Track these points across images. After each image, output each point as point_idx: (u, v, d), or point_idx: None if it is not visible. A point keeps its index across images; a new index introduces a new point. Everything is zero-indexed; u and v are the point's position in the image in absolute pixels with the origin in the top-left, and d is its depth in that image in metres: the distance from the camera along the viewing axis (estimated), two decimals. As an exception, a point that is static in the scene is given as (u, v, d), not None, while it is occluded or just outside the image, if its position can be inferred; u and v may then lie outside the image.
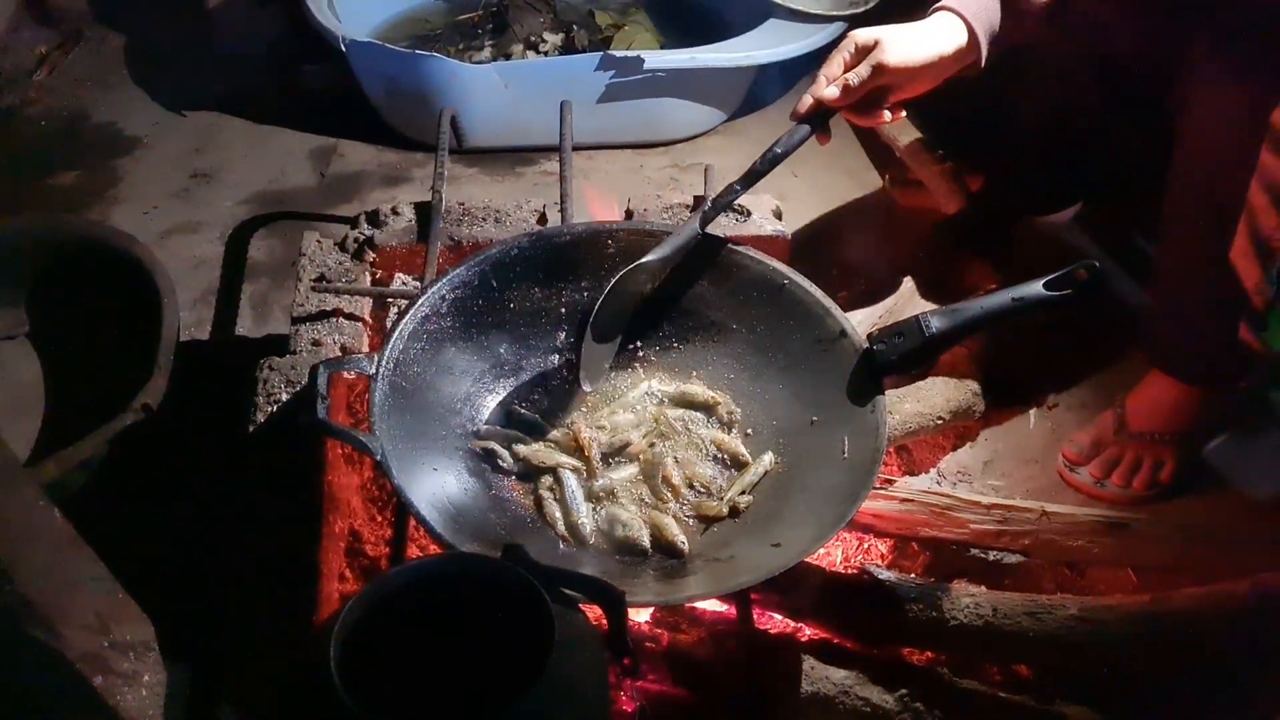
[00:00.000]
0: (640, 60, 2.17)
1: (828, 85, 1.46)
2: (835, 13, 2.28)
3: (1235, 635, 1.39)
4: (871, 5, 2.30)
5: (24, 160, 2.33)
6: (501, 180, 2.31)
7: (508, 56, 2.47)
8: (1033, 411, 1.83)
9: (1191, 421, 1.72)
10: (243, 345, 1.88)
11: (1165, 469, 1.72)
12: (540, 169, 2.33)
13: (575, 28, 2.52)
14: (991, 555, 1.58)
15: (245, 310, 1.98)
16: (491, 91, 2.22)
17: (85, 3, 2.63)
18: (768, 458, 1.40)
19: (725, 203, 1.46)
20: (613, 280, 1.41)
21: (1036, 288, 1.34)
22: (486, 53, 2.49)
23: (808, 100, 1.47)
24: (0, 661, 1.00)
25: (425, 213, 1.73)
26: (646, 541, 1.31)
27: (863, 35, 1.49)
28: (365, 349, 1.59)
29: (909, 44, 1.47)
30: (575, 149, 1.73)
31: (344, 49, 2.20)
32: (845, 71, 1.46)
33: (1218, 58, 1.51)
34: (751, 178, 1.44)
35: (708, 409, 1.46)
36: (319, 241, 1.72)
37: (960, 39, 1.49)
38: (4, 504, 1.03)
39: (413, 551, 1.42)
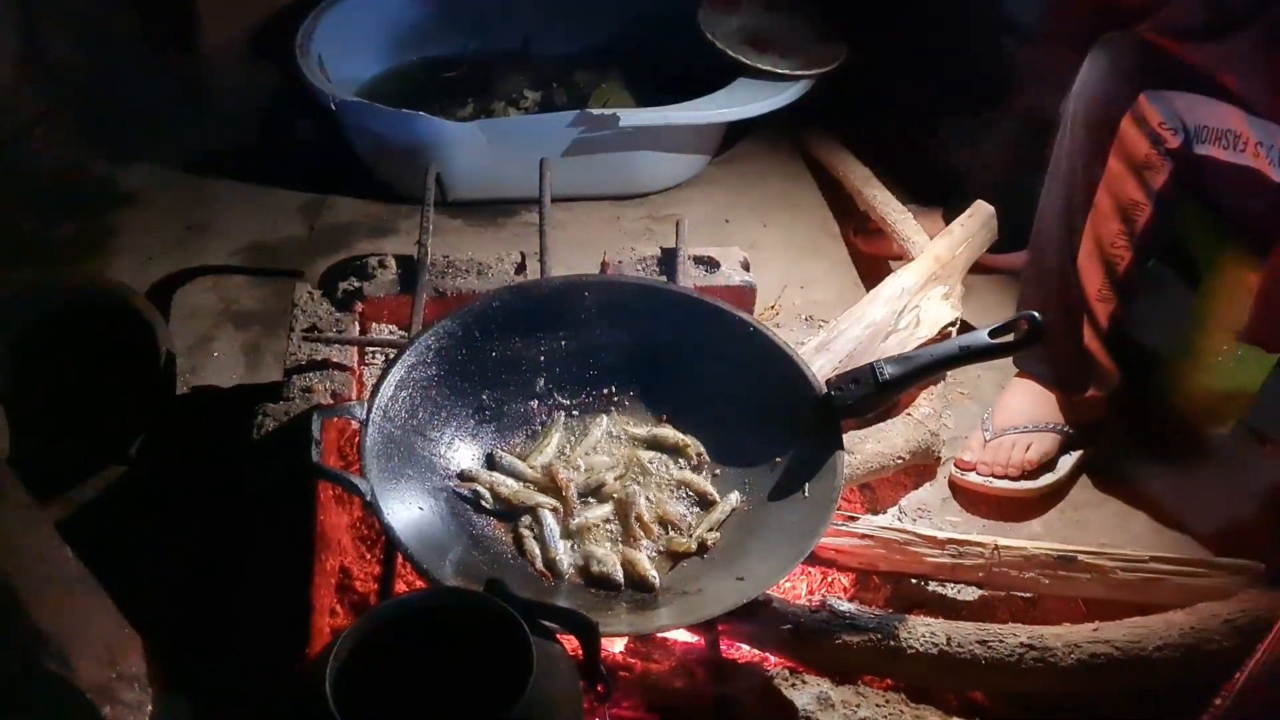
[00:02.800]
0: (616, 118, 2.28)
1: None
2: (800, 72, 2.40)
3: (1171, 660, 1.49)
4: (835, 65, 2.42)
5: (24, 213, 2.41)
6: (483, 230, 2.40)
7: (489, 112, 2.57)
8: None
9: (1044, 417, 1.87)
10: (237, 391, 1.96)
11: (1030, 450, 1.85)
12: (520, 220, 2.43)
13: (554, 84, 2.63)
14: (949, 589, 1.67)
15: (238, 357, 2.06)
16: (474, 147, 2.32)
17: (83, 59, 2.72)
18: (734, 496, 1.49)
19: None
20: None
21: (982, 336, 1.43)
22: (469, 108, 2.60)
23: None
24: (18, 692, 1.07)
25: (411, 265, 1.82)
26: (620, 576, 1.39)
27: None
28: (354, 395, 1.67)
29: None
30: (554, 201, 1.83)
31: (334, 107, 2.30)
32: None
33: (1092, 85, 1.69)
34: None
35: (677, 451, 1.55)
36: (310, 293, 1.80)
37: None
38: (23, 542, 1.11)
39: (400, 587, 1.49)
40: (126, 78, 2.72)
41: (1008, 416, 1.89)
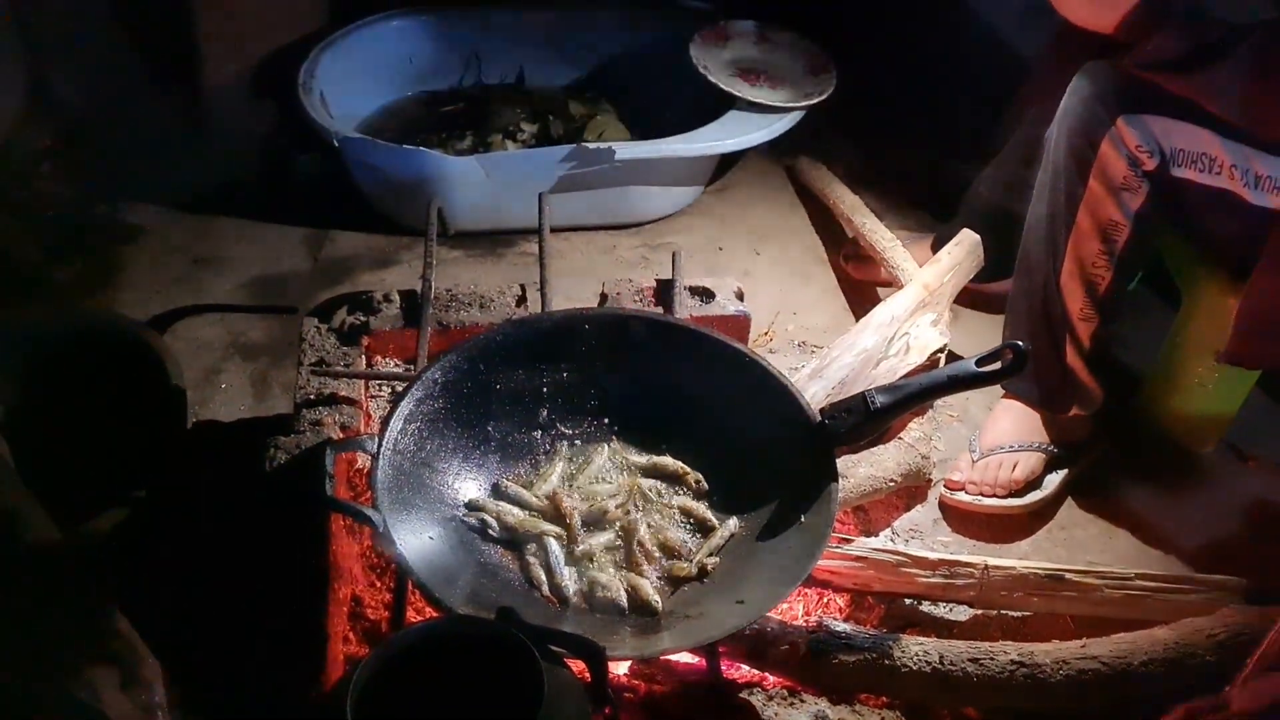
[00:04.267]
0: (611, 151, 2.34)
1: None
2: (790, 104, 2.46)
3: (1155, 674, 1.54)
4: (824, 97, 2.48)
5: (30, 249, 2.45)
6: (483, 261, 2.45)
7: (487, 145, 2.63)
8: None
9: (1030, 437, 1.93)
10: (247, 423, 2.00)
11: (1016, 469, 1.91)
12: (519, 250, 2.48)
13: (550, 117, 2.69)
14: (941, 608, 1.72)
15: (246, 388, 2.11)
16: (474, 181, 2.37)
17: (87, 97, 2.77)
18: (732, 523, 1.53)
19: None
20: None
21: (969, 365, 1.48)
22: (467, 141, 2.65)
23: None
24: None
25: (414, 300, 1.87)
26: (624, 601, 1.44)
27: None
28: (362, 428, 1.72)
29: None
30: (551, 231, 1.88)
31: (336, 143, 2.35)
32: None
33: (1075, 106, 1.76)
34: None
35: (677, 479, 1.59)
36: (317, 327, 1.85)
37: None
38: (52, 575, 1.16)
39: (411, 615, 1.53)
40: (130, 115, 2.77)
41: (994, 437, 1.95)
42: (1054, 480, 1.94)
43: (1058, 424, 1.94)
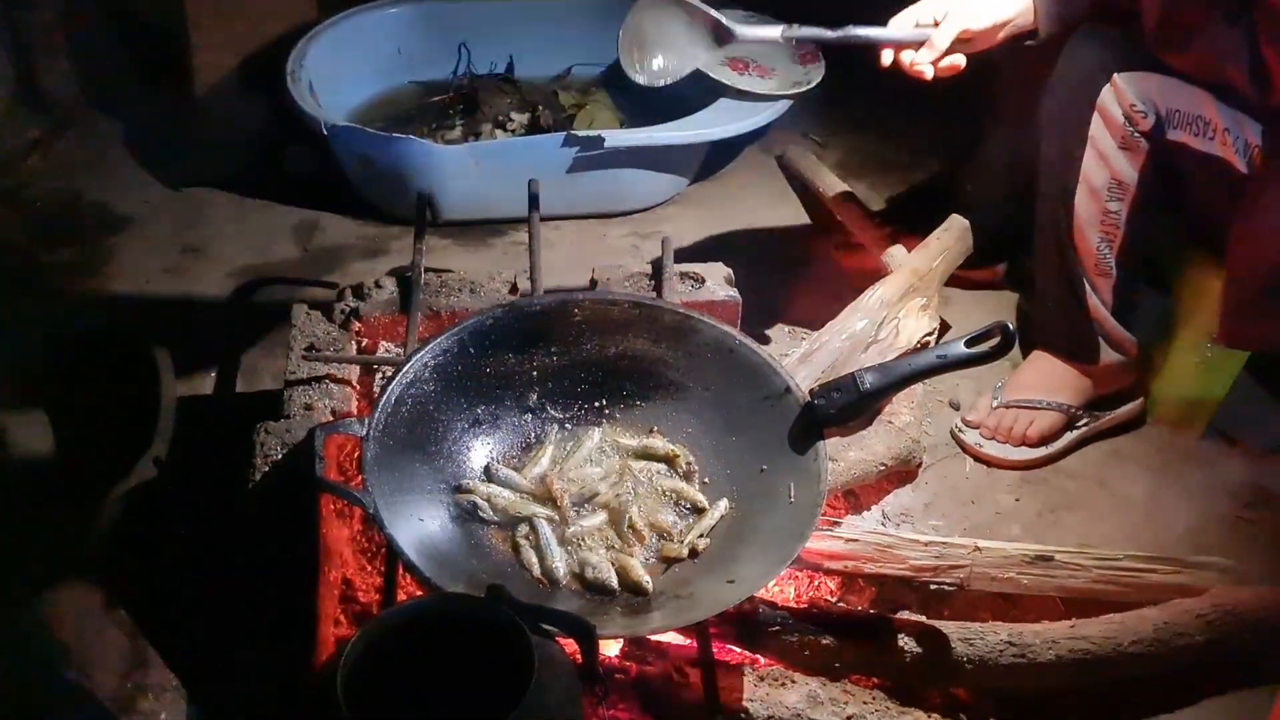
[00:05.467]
0: (601, 139, 2.34)
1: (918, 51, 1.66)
2: (779, 93, 2.47)
3: (1145, 654, 1.55)
4: (813, 86, 2.49)
5: (20, 240, 2.45)
6: (474, 250, 2.46)
7: (477, 135, 2.63)
8: (968, 459, 2.00)
9: (1056, 395, 1.96)
10: (238, 410, 2.00)
11: (1031, 427, 1.95)
12: (510, 239, 2.48)
13: (540, 107, 2.69)
14: (932, 590, 1.72)
15: (237, 377, 2.11)
16: (463, 170, 2.37)
17: (76, 89, 2.77)
18: (722, 504, 1.54)
19: None
20: None
21: (958, 346, 1.49)
22: (457, 131, 2.65)
23: (890, 59, 1.67)
24: (43, 701, 1.12)
25: (406, 285, 1.87)
26: (614, 582, 1.44)
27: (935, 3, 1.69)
28: (353, 412, 1.72)
29: (981, 6, 1.68)
30: (542, 219, 1.88)
31: (326, 132, 2.35)
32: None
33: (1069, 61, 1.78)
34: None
35: (668, 461, 1.59)
36: (308, 313, 1.85)
37: (1018, 4, 1.71)
38: (42, 560, 1.16)
39: (401, 597, 1.53)
40: (120, 106, 2.78)
41: (1019, 389, 1.98)
42: (1069, 437, 1.99)
43: (1095, 376, 1.96)
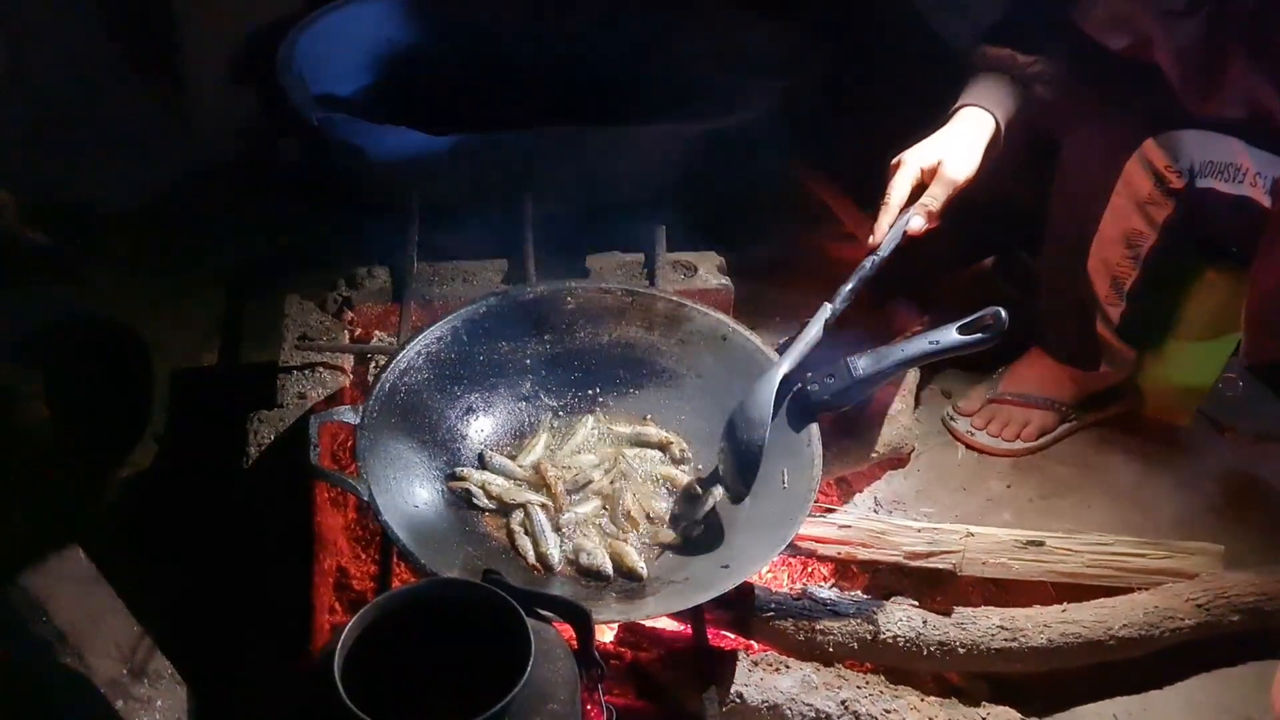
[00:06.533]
0: (593, 131, 2.34)
1: (909, 216, 1.62)
2: (765, 84, 2.46)
3: (1135, 638, 1.57)
4: (801, 79, 2.48)
5: (6, 234, 2.43)
6: (466, 240, 2.45)
7: (469, 125, 2.62)
8: (960, 446, 2.02)
9: (1051, 392, 1.99)
10: (231, 400, 1.99)
11: (1029, 428, 1.99)
12: (502, 229, 2.45)
13: (532, 97, 2.68)
14: (925, 575, 1.73)
15: (229, 367, 2.10)
16: (456, 160, 2.37)
17: (63, 82, 2.75)
18: (717, 490, 1.54)
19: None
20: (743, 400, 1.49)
21: (951, 332, 1.50)
22: (450, 122, 2.64)
23: (883, 233, 1.61)
24: (38, 686, 1.12)
25: (399, 275, 1.87)
26: (609, 568, 1.44)
27: (922, 158, 1.65)
28: (345, 401, 1.72)
29: (964, 153, 1.65)
30: (533, 210, 1.89)
31: (316, 124, 2.34)
32: (916, 195, 1.64)
33: (1092, 119, 1.76)
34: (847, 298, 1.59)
35: (661, 448, 1.61)
36: (300, 303, 1.85)
37: (988, 129, 1.68)
38: (39, 547, 1.15)
39: (396, 585, 1.54)
40: (107, 99, 2.76)
41: (1016, 382, 2.01)
42: (1059, 431, 2.02)
43: (1091, 379, 1.98)
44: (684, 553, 1.49)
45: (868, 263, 1.60)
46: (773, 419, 1.48)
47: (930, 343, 1.51)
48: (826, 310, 1.56)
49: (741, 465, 1.47)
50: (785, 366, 1.51)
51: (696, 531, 1.50)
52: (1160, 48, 1.60)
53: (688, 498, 1.55)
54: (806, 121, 2.60)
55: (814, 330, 1.55)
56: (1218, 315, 1.87)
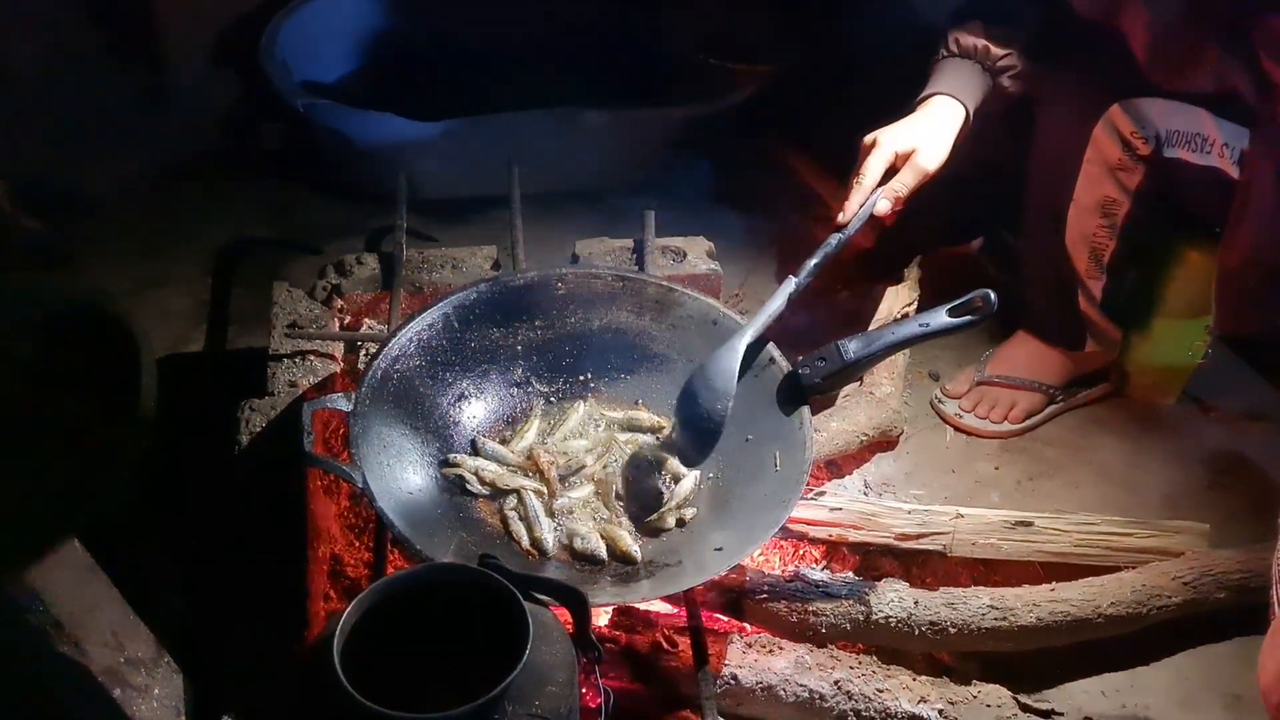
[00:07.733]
0: (580, 114, 2.34)
1: (877, 197, 1.62)
2: (754, 68, 2.47)
3: (1123, 616, 1.58)
4: (788, 65, 2.49)
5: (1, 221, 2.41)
6: (454, 228, 2.44)
7: (456, 111, 2.61)
8: (949, 429, 2.03)
9: (1038, 374, 2.01)
10: (221, 388, 1.99)
11: (1016, 409, 2.00)
12: (490, 216, 2.46)
13: (518, 82, 2.67)
14: (915, 557, 1.75)
15: (218, 355, 2.09)
16: (443, 146, 2.36)
17: (44, 68, 2.73)
18: (696, 473, 1.54)
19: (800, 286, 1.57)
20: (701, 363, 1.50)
21: (941, 314, 1.51)
22: (436, 108, 2.63)
23: (854, 211, 1.62)
24: (35, 675, 1.11)
25: (388, 262, 1.87)
26: (603, 552, 1.45)
27: (897, 142, 1.65)
28: (337, 388, 1.72)
29: (936, 141, 1.66)
30: (522, 196, 1.88)
31: (301, 110, 2.33)
32: (885, 176, 1.64)
33: (1062, 87, 1.78)
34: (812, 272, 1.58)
35: (654, 432, 1.61)
36: (289, 291, 1.84)
37: (959, 119, 1.69)
38: (34, 536, 1.15)
39: (390, 572, 1.54)
40: (88, 86, 2.73)
41: (1003, 364, 2.03)
42: (1046, 412, 2.04)
43: (1077, 359, 2.00)
44: (677, 536, 1.49)
45: (834, 240, 1.61)
46: (737, 387, 1.48)
47: (920, 325, 1.51)
48: (791, 284, 1.56)
49: (702, 434, 1.48)
50: (749, 335, 1.52)
51: (689, 514, 1.51)
52: (1132, 18, 1.60)
53: (637, 466, 1.55)
54: (792, 104, 2.61)
55: (778, 302, 1.55)
56: (1197, 293, 1.87)
